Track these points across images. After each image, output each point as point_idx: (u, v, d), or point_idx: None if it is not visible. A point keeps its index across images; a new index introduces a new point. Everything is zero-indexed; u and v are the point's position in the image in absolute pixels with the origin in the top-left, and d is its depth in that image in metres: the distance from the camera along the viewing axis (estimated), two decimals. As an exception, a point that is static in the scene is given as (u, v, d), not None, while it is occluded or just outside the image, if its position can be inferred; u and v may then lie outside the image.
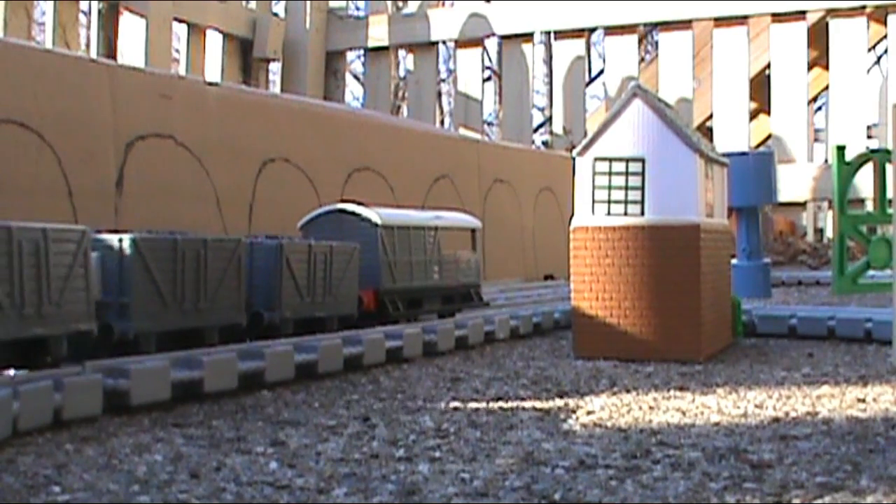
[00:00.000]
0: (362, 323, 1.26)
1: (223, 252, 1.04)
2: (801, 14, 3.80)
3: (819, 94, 5.17)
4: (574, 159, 1.24)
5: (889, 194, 2.40)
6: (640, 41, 4.37)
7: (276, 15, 4.54)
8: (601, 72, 6.16)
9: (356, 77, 8.08)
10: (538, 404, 0.91)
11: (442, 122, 7.40)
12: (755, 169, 2.12)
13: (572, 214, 1.24)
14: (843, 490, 0.60)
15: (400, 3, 5.54)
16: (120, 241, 0.94)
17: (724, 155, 1.47)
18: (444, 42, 4.48)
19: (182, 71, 3.99)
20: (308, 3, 4.33)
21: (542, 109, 7.56)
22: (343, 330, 1.20)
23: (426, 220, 1.49)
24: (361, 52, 4.75)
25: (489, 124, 7.61)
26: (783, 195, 3.24)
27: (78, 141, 1.56)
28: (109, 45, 3.59)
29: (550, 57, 5.13)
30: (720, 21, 3.89)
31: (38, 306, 0.82)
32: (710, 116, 4.08)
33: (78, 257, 0.87)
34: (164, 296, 0.97)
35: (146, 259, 0.95)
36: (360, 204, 1.43)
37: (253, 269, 1.11)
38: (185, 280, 0.99)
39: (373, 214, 1.37)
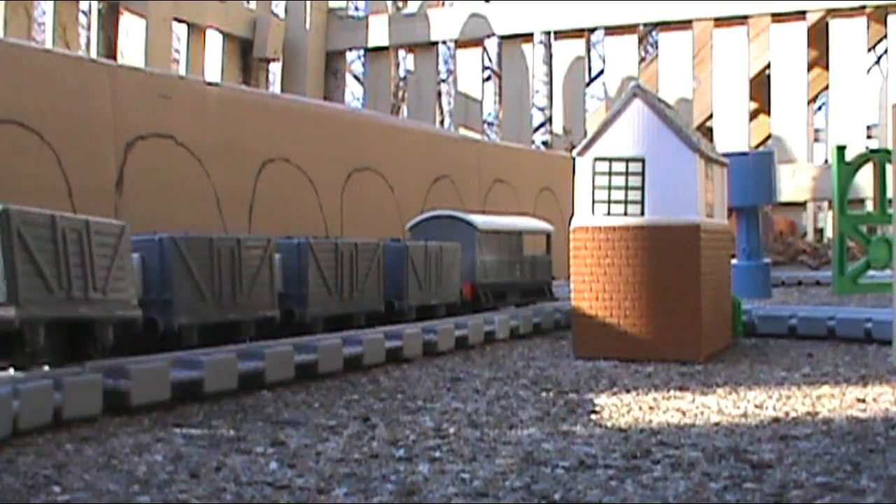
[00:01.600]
0: (462, 310, 1.49)
1: (368, 253, 1.29)
2: (801, 14, 3.80)
3: (819, 94, 5.17)
4: (574, 159, 1.24)
5: (889, 194, 2.40)
6: (640, 41, 4.36)
7: (276, 15, 4.54)
8: (601, 72, 6.16)
9: (356, 77, 8.08)
10: (538, 404, 0.91)
11: (442, 122, 7.41)
12: (755, 169, 2.12)
13: (572, 214, 1.24)
14: (843, 490, 0.60)
15: (400, 3, 5.54)
16: (298, 244, 1.17)
17: (724, 155, 1.47)
18: (444, 42, 4.48)
19: (182, 71, 3.99)
20: (308, 3, 4.33)
21: (542, 109, 7.56)
22: (448, 316, 1.43)
23: (513, 225, 1.71)
24: (361, 52, 4.74)
25: (489, 124, 7.61)
26: (783, 195, 3.25)
27: (78, 141, 1.56)
28: (109, 45, 3.59)
29: (550, 57, 5.13)
30: (720, 21, 3.89)
31: (232, 297, 1.05)
32: (710, 116, 4.08)
33: (265, 260, 1.10)
34: (330, 287, 1.22)
35: (318, 260, 1.19)
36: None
37: (384, 267, 1.33)
38: (342, 274, 1.23)
39: (476, 219, 1.59)
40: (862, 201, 3.42)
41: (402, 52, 4.93)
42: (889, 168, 2.38)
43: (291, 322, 1.14)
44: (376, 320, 1.29)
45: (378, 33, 4.36)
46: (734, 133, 3.84)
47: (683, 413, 0.86)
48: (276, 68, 4.45)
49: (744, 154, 2.24)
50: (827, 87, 4.09)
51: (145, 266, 0.98)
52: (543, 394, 0.97)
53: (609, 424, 0.81)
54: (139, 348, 0.94)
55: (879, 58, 6.68)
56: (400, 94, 7.23)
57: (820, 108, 6.90)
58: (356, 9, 5.31)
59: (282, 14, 4.54)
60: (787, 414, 0.85)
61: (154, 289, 0.98)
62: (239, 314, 1.07)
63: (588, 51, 5.33)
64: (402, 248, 1.36)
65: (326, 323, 1.19)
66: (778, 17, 3.82)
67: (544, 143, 5.58)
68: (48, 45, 3.35)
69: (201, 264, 1.01)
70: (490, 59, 8.10)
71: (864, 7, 3.72)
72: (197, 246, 1.01)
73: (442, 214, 1.61)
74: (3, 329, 0.76)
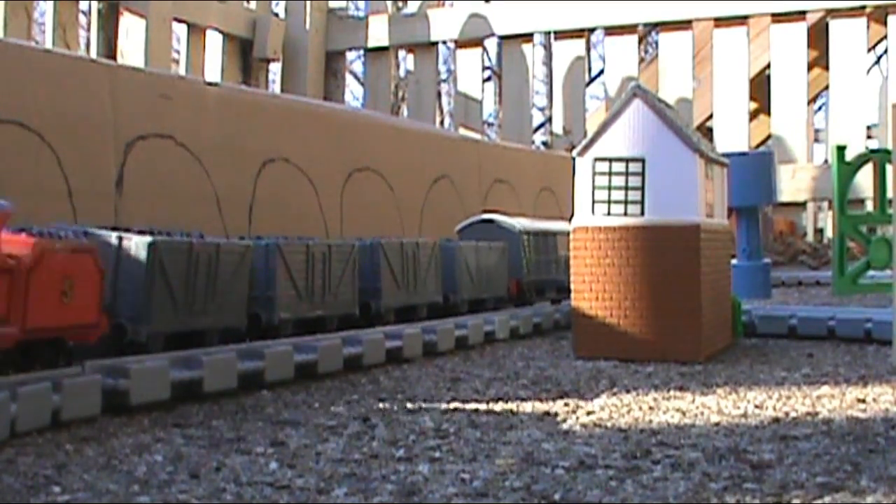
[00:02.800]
0: (507, 304, 1.65)
1: (427, 251, 1.44)
2: (801, 14, 3.80)
3: (819, 94, 5.17)
4: (574, 159, 1.24)
5: (889, 194, 2.40)
6: (640, 41, 4.36)
7: (276, 15, 4.54)
8: (601, 72, 6.16)
9: (356, 77, 8.08)
10: (538, 404, 0.91)
11: (442, 122, 7.40)
12: (755, 169, 2.12)
13: (572, 214, 1.24)
14: (843, 490, 0.60)
15: (400, 3, 5.54)
16: (371, 245, 1.32)
17: (724, 155, 1.47)
18: (444, 42, 4.48)
19: (182, 71, 3.99)
20: (308, 3, 4.33)
21: (542, 109, 7.56)
22: (494, 309, 1.57)
23: (548, 227, 1.84)
24: (361, 52, 4.74)
25: (489, 124, 7.61)
26: (783, 195, 3.24)
27: (78, 141, 1.56)
28: (109, 45, 3.58)
29: (550, 57, 5.13)
30: (720, 21, 3.88)
31: (322, 295, 1.19)
32: (710, 116, 4.08)
33: (349, 262, 1.25)
34: (399, 282, 1.36)
35: (389, 260, 1.33)
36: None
37: (440, 264, 1.49)
38: (411, 270, 1.38)
39: (516, 223, 1.74)
40: (862, 201, 3.42)
41: (402, 52, 4.93)
42: (889, 168, 2.38)
43: (368, 315, 1.31)
44: (436, 312, 1.45)
45: (378, 33, 4.36)
46: (734, 133, 3.83)
47: (683, 413, 0.86)
48: (276, 68, 4.45)
49: (744, 154, 2.24)
50: (827, 87, 4.09)
51: (251, 268, 1.10)
52: (543, 394, 0.97)
53: (609, 424, 0.81)
54: (242, 339, 1.08)
55: (879, 58, 6.67)
56: (400, 94, 7.22)
57: (820, 108, 6.90)
58: (356, 9, 5.31)
59: (282, 14, 4.54)
60: (787, 414, 0.85)
61: (259, 287, 1.11)
62: (326, 310, 1.20)
63: (588, 51, 5.33)
64: (456, 247, 1.52)
65: (395, 314, 1.36)
66: (778, 17, 3.82)
67: (544, 143, 5.58)
68: (48, 45, 3.35)
69: (297, 266, 1.14)
70: (490, 59, 8.10)
71: (864, 7, 3.72)
72: (295, 250, 1.14)
73: (486, 219, 1.77)
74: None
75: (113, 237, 0.96)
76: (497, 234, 1.71)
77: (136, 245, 0.95)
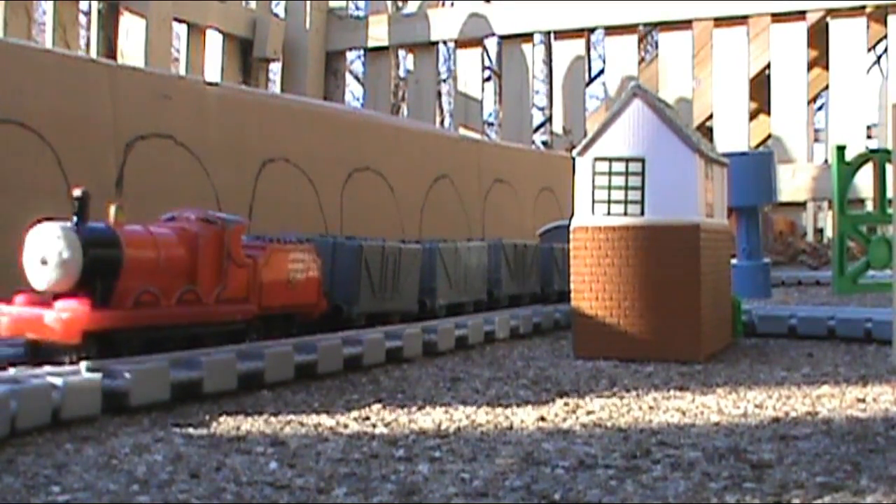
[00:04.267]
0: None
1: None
2: (801, 14, 3.80)
3: (819, 94, 5.17)
4: (574, 159, 1.24)
5: (889, 194, 2.40)
6: (640, 41, 4.36)
7: (276, 15, 4.54)
8: (601, 72, 6.16)
9: (356, 77, 8.08)
10: (538, 404, 0.91)
11: (442, 122, 7.40)
12: (755, 169, 2.12)
13: (572, 214, 1.24)
14: (843, 490, 0.60)
15: (400, 3, 5.54)
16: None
17: (724, 155, 1.47)
18: (444, 42, 4.48)
19: (182, 71, 3.99)
20: (308, 3, 4.33)
21: (542, 109, 7.56)
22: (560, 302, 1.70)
23: None
24: (361, 52, 4.74)
25: (489, 124, 7.61)
26: (783, 195, 3.24)
27: (78, 141, 1.56)
28: (109, 45, 3.59)
29: (550, 57, 5.13)
30: (720, 21, 3.89)
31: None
32: (710, 116, 4.08)
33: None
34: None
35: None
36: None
37: (539, 262, 1.74)
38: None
39: None
40: (862, 201, 3.42)
41: (402, 52, 4.93)
42: (889, 168, 2.38)
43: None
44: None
45: (378, 33, 4.36)
46: (734, 133, 3.84)
47: (683, 413, 0.86)
48: (276, 68, 4.45)
49: (744, 154, 2.24)
50: (827, 87, 4.09)
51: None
52: (543, 394, 0.97)
53: (609, 424, 0.81)
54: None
55: (879, 58, 6.67)
56: (400, 94, 7.22)
57: (820, 108, 6.90)
58: (356, 9, 5.31)
59: (282, 14, 4.54)
60: (787, 414, 0.85)
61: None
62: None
63: (588, 51, 5.33)
64: (549, 248, 1.78)
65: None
66: (778, 17, 3.82)
67: (544, 143, 5.58)
68: (48, 45, 3.35)
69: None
70: (490, 59, 8.10)
71: (864, 7, 3.72)
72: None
73: (561, 224, 1.86)
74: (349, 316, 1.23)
75: (330, 241, 1.25)
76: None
77: (349, 247, 1.25)
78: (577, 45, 4.16)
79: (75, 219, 0.90)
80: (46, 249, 0.88)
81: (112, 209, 0.94)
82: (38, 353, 0.89)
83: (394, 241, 1.37)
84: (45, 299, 0.89)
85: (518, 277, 1.65)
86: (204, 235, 1.01)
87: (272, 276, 1.08)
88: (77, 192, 0.92)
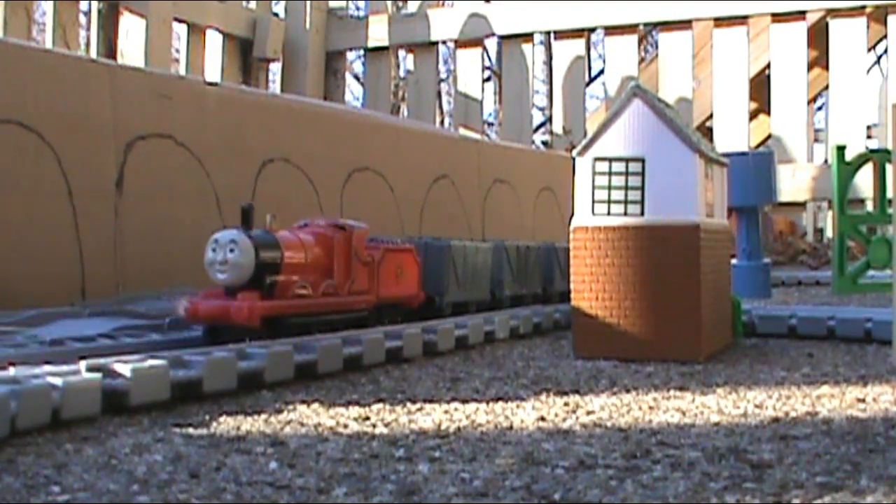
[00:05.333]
0: None
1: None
2: (801, 14, 3.80)
3: (819, 94, 5.17)
4: (574, 159, 1.24)
5: (889, 194, 2.40)
6: (640, 41, 4.36)
7: (276, 15, 4.54)
8: (601, 72, 6.16)
9: (356, 77, 8.08)
10: (538, 404, 0.91)
11: (442, 122, 7.40)
12: (755, 169, 2.12)
13: (572, 214, 1.24)
14: (843, 490, 0.60)
15: (400, 3, 5.54)
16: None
17: (724, 155, 1.47)
18: (444, 42, 4.48)
19: (182, 71, 3.99)
20: (308, 3, 4.33)
21: (542, 109, 7.56)
22: None
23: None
24: (361, 52, 4.74)
25: (489, 124, 7.61)
26: (783, 195, 3.25)
27: (78, 141, 1.56)
28: (109, 45, 3.59)
29: (550, 57, 5.13)
30: (720, 21, 3.89)
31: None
32: (710, 116, 4.08)
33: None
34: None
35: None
36: None
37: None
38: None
39: None
40: (862, 201, 3.42)
41: (402, 52, 4.93)
42: (889, 168, 2.38)
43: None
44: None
45: (378, 33, 4.36)
46: (734, 133, 3.84)
47: (683, 413, 0.86)
48: (276, 68, 4.45)
49: (744, 154, 2.24)
50: (827, 87, 4.09)
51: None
52: (543, 394, 0.97)
53: (609, 424, 0.81)
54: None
55: (879, 58, 6.68)
56: (400, 94, 7.23)
57: (820, 108, 6.90)
58: (356, 9, 5.31)
59: (282, 14, 4.54)
60: (787, 414, 0.85)
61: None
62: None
63: (588, 51, 5.33)
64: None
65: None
66: (778, 17, 3.82)
67: (544, 143, 5.58)
68: (48, 45, 3.35)
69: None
70: (490, 59, 8.10)
71: (864, 7, 3.72)
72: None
73: None
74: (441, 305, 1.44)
75: (423, 242, 1.44)
76: None
77: (439, 247, 1.44)
78: (577, 45, 4.16)
79: (243, 227, 1.10)
80: (226, 253, 1.08)
81: (268, 218, 1.14)
82: (216, 335, 1.09)
83: (471, 241, 1.58)
84: (220, 293, 1.10)
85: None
86: (337, 239, 1.22)
87: (386, 272, 1.30)
88: (244, 205, 1.11)
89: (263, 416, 0.84)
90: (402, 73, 6.43)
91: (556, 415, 0.86)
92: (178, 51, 4.46)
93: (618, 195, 1.21)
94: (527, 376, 1.08)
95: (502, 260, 1.61)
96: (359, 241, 1.25)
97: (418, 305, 1.39)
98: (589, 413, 0.86)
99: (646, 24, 4.41)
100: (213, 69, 4.10)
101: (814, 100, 5.63)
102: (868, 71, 4.84)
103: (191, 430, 0.78)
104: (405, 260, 1.36)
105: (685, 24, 3.94)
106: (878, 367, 1.14)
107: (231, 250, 1.08)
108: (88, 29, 4.01)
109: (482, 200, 2.67)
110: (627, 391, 0.98)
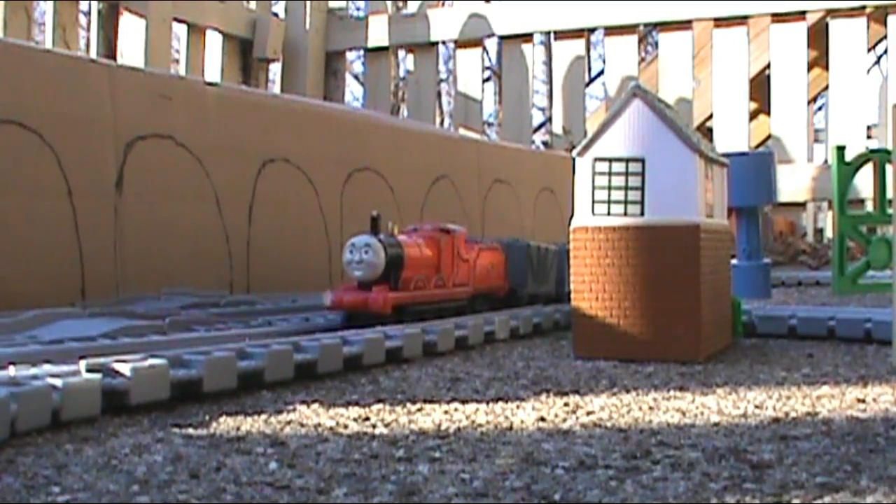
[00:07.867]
0: None
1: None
2: (801, 14, 3.80)
3: (819, 94, 5.17)
4: (574, 159, 1.24)
5: (889, 194, 2.40)
6: (640, 41, 4.36)
7: (276, 15, 4.54)
8: (601, 72, 6.16)
9: (356, 77, 8.08)
10: (538, 404, 0.91)
11: (442, 122, 7.41)
12: (755, 169, 2.12)
13: (572, 214, 1.24)
14: (843, 490, 0.60)
15: (400, 3, 5.54)
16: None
17: (724, 155, 1.46)
18: (444, 42, 4.48)
19: (182, 71, 3.99)
20: (308, 3, 4.33)
21: (542, 109, 7.56)
22: None
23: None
24: (361, 52, 4.74)
25: (489, 124, 7.61)
26: (783, 195, 3.24)
27: (78, 141, 1.56)
28: (109, 45, 3.59)
29: (550, 57, 5.13)
30: (720, 21, 3.89)
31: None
32: (710, 116, 4.08)
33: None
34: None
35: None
36: None
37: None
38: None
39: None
40: (862, 201, 3.42)
41: (401, 52, 4.92)
42: (889, 168, 2.38)
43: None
44: None
45: (378, 33, 4.36)
46: (734, 133, 3.84)
47: (683, 413, 0.86)
48: (276, 68, 4.45)
49: (744, 154, 2.23)
50: (827, 87, 4.09)
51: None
52: (543, 394, 0.97)
53: (609, 424, 0.81)
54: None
55: (879, 58, 6.68)
56: (400, 94, 7.23)
57: (820, 108, 6.90)
58: (356, 9, 5.31)
59: (282, 14, 4.54)
60: (787, 414, 0.85)
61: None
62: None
63: (588, 51, 5.33)
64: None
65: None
66: (778, 17, 3.82)
67: (544, 143, 5.58)
68: (48, 45, 3.35)
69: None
70: (490, 59, 8.10)
71: (864, 7, 3.72)
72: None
73: None
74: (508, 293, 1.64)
75: (505, 242, 1.63)
76: None
77: (519, 246, 1.63)
78: (577, 46, 4.16)
79: (372, 232, 1.32)
80: (361, 254, 1.30)
81: (389, 223, 1.40)
82: (352, 320, 1.29)
83: (545, 243, 1.75)
84: (354, 287, 1.32)
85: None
86: (444, 240, 1.46)
87: (481, 267, 1.53)
88: (373, 214, 1.33)
89: (263, 416, 0.84)
90: (402, 74, 6.43)
91: (556, 415, 0.86)
92: (177, 51, 4.46)
93: (618, 195, 1.21)
94: (527, 377, 1.08)
95: (563, 260, 1.72)
96: (460, 241, 1.48)
97: (503, 295, 1.61)
98: (589, 413, 0.86)
99: (646, 25, 4.41)
100: (212, 69, 4.10)
101: (814, 100, 5.63)
102: (868, 71, 4.84)
103: (191, 431, 0.78)
104: (494, 257, 1.58)
105: (685, 25, 3.94)
106: (878, 367, 1.14)
107: (366, 252, 1.30)
108: (88, 29, 4.01)
109: (482, 200, 2.67)
110: (627, 391, 0.98)
